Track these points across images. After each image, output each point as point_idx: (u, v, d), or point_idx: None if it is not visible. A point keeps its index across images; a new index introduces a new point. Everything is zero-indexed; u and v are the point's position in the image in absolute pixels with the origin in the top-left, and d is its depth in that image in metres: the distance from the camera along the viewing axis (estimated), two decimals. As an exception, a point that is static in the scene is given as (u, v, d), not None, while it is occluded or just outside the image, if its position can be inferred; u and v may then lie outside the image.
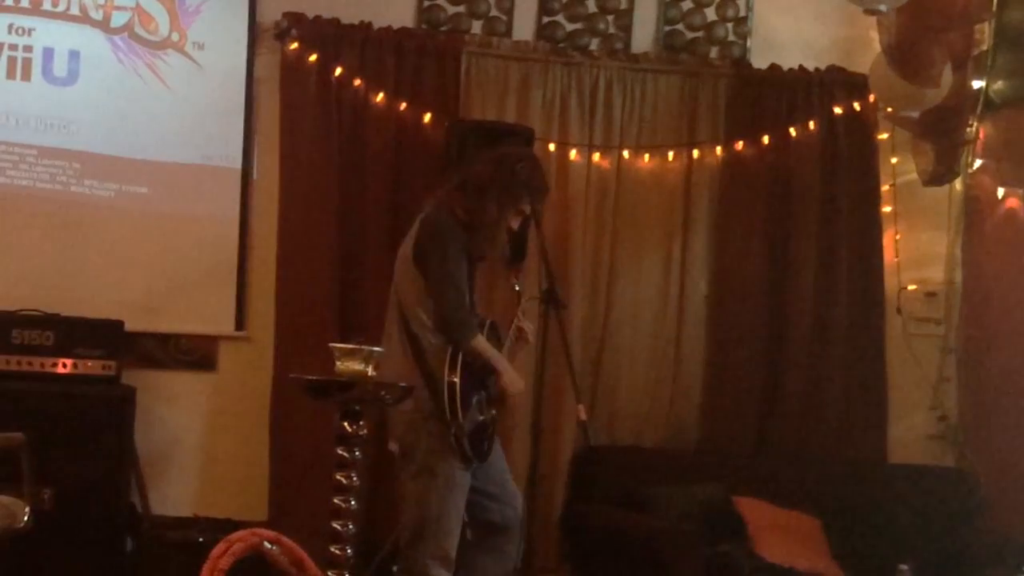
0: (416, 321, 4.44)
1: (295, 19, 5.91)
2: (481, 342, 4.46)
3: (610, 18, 6.33)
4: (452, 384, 4.34)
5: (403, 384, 4.17)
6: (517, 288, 4.78)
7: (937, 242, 6.54)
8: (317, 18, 5.93)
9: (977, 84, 5.95)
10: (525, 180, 4.56)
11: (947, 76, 5.60)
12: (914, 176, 6.29)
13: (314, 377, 3.86)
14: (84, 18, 5.80)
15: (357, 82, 5.93)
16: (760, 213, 6.31)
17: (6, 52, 5.72)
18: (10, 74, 5.73)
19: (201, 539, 5.09)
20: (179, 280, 5.88)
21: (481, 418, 4.49)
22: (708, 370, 6.24)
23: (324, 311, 5.82)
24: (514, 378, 4.60)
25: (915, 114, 5.84)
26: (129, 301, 5.73)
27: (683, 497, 5.62)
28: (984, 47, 5.99)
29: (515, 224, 4.63)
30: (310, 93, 5.90)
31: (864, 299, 6.35)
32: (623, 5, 6.33)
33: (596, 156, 6.19)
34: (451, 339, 4.40)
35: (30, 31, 5.76)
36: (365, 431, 3.76)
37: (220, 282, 5.93)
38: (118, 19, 5.85)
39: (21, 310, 5.46)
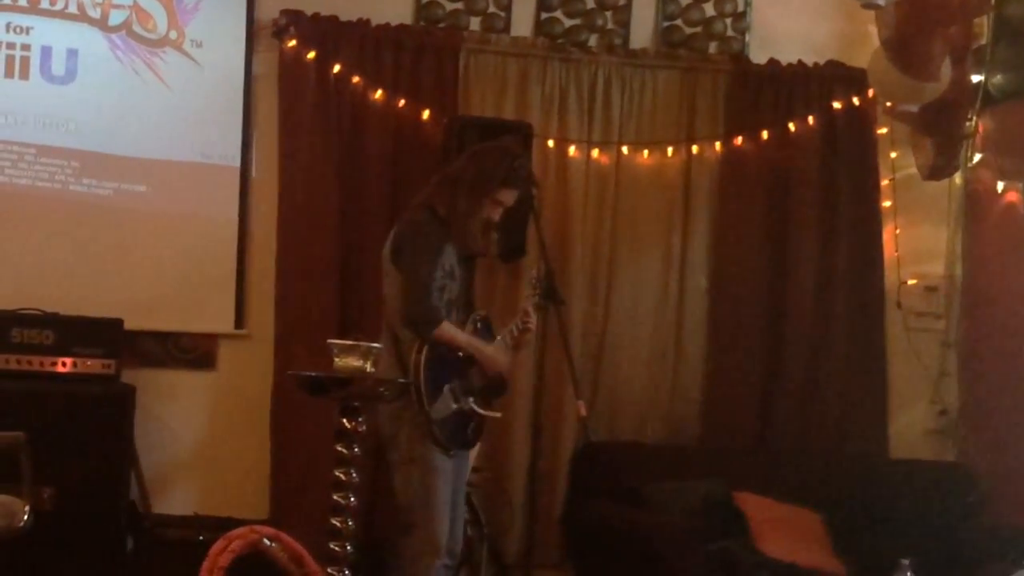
0: (395, 316, 4.56)
1: (293, 16, 5.91)
2: (448, 329, 4.53)
3: (608, 14, 6.32)
4: (416, 372, 4.41)
5: (401, 380, 4.19)
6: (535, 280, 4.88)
7: (937, 236, 6.52)
8: (315, 15, 5.93)
9: (976, 78, 5.94)
10: (494, 170, 4.63)
11: (946, 70, 5.60)
12: (914, 170, 6.28)
13: (313, 374, 3.86)
14: (82, 16, 5.80)
15: (355, 79, 5.93)
16: (759, 208, 6.30)
17: (4, 51, 5.72)
18: (8, 73, 5.72)
19: (201, 537, 5.08)
20: (178, 278, 5.88)
21: (455, 406, 4.52)
22: (708, 365, 6.24)
23: (324, 308, 5.82)
24: (492, 356, 4.67)
25: (914, 108, 5.83)
26: (128, 300, 5.72)
27: (684, 493, 5.61)
28: (983, 41, 5.98)
29: (495, 216, 4.67)
30: (308, 90, 5.90)
31: (864, 294, 6.35)
32: (621, 1, 6.32)
33: (595, 152, 6.18)
34: (415, 331, 4.48)
35: (28, 29, 5.75)
36: (364, 427, 3.76)
37: (219, 280, 5.92)
38: (116, 17, 5.84)
39: (20, 309, 5.45)
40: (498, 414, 4.85)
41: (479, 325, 4.77)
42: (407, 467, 4.50)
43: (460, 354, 4.58)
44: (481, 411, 4.65)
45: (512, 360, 4.81)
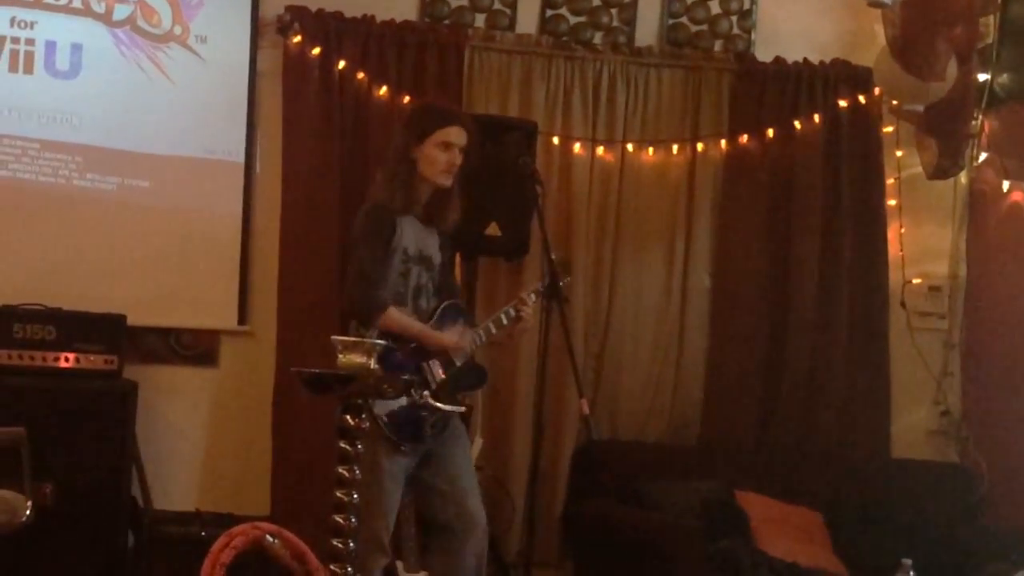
0: None
1: (298, 12, 5.90)
2: (392, 316, 4.45)
3: (614, 12, 6.31)
4: None
5: (405, 377, 4.18)
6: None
7: (941, 236, 6.51)
8: (320, 11, 5.92)
9: (982, 78, 5.94)
10: (419, 119, 4.63)
11: (952, 70, 5.59)
12: (919, 170, 6.26)
13: (315, 370, 3.84)
14: (86, 11, 5.79)
15: (360, 76, 5.92)
16: (764, 207, 6.28)
17: (8, 45, 5.71)
18: (12, 67, 5.72)
19: (203, 533, 5.09)
20: (181, 274, 5.88)
21: (407, 400, 4.45)
22: (710, 364, 6.23)
23: (327, 305, 5.80)
24: (438, 337, 4.55)
25: (920, 108, 5.83)
26: (131, 295, 5.71)
27: (685, 492, 5.60)
28: (989, 41, 5.98)
29: (455, 159, 4.57)
30: (313, 87, 5.89)
31: (868, 293, 6.33)
32: (627, -1, 6.32)
33: (600, 150, 6.17)
34: (357, 320, 4.45)
35: (32, 24, 5.74)
36: (367, 424, 3.76)
37: (222, 276, 5.92)
38: (120, 12, 5.84)
39: (23, 304, 5.44)
40: (461, 408, 4.73)
41: (447, 311, 4.67)
42: None
43: (412, 345, 4.50)
44: (438, 405, 4.55)
45: (466, 347, 4.64)
